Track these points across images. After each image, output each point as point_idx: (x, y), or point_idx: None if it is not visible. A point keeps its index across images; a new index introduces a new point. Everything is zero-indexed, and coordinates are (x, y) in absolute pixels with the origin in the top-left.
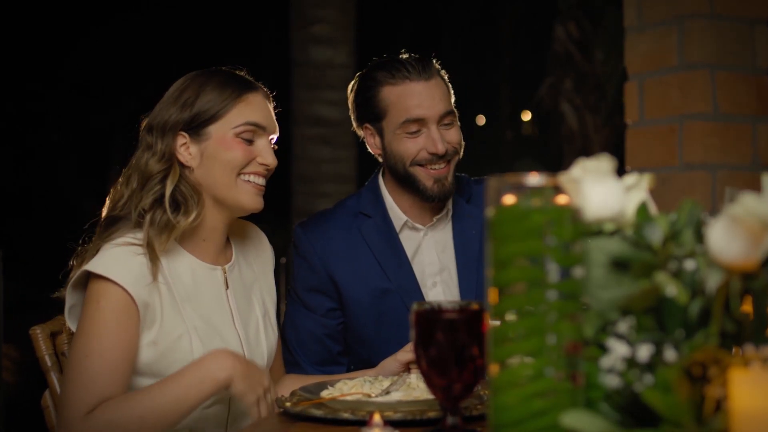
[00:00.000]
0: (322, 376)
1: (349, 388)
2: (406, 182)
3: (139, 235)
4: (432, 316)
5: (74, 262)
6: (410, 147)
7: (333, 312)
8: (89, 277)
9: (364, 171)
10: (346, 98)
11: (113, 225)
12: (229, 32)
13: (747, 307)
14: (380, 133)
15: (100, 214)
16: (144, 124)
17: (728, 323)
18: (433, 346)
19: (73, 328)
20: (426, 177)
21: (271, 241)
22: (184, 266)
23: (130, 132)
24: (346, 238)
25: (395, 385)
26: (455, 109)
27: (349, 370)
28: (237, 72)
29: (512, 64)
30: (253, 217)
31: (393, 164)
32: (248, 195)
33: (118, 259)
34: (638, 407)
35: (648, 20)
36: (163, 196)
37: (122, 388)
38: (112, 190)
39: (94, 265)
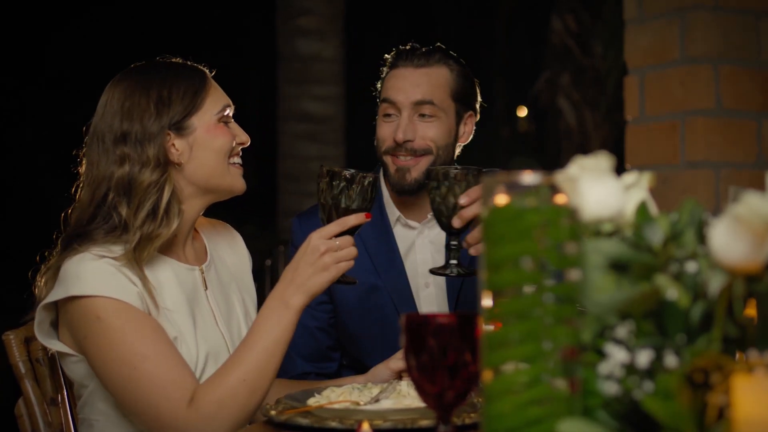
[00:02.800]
0: (307, 383)
1: (337, 396)
2: (383, 171)
3: (116, 248)
4: (423, 320)
5: (39, 283)
6: (384, 130)
7: (324, 305)
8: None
9: (351, 168)
10: (335, 93)
11: (73, 243)
12: (212, 25)
13: (751, 310)
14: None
15: (59, 233)
16: (93, 136)
17: (731, 328)
18: (424, 352)
19: (46, 343)
20: (392, 165)
21: (257, 243)
22: (166, 272)
23: None
24: None
25: (385, 392)
26: (446, 106)
27: (340, 367)
28: (176, 60)
29: (507, 58)
30: (239, 218)
31: (376, 150)
32: (238, 178)
33: (98, 275)
34: (638, 415)
35: (649, 12)
36: (158, 205)
37: (191, 369)
38: (73, 210)
39: (74, 287)
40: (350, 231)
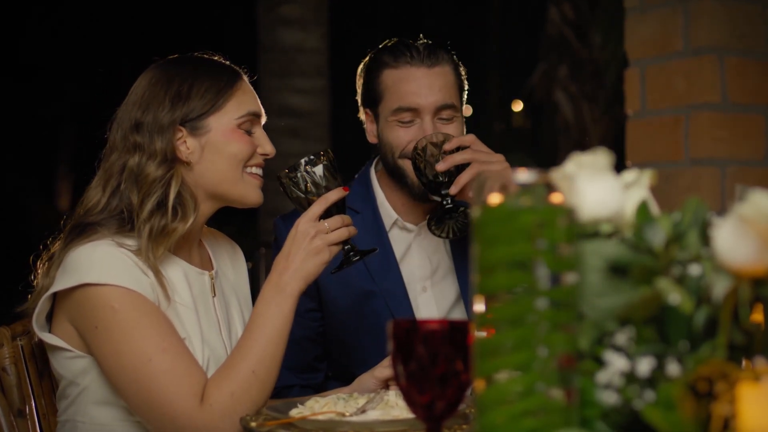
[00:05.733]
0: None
1: (321, 407)
2: (394, 175)
3: (128, 242)
4: (411, 326)
5: (38, 272)
6: (401, 136)
7: (312, 313)
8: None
9: (338, 166)
10: (318, 86)
11: (84, 231)
12: (189, 15)
13: (757, 316)
14: (376, 120)
15: (67, 220)
16: (115, 122)
17: (737, 334)
18: (412, 360)
19: (42, 336)
20: (413, 172)
21: (238, 244)
22: (176, 272)
23: (80, 124)
24: None
25: (372, 402)
26: (459, 105)
27: (326, 378)
28: (214, 57)
29: (502, 49)
30: (218, 219)
31: (384, 154)
32: (253, 189)
33: (113, 263)
34: (638, 426)
35: (650, 1)
36: (165, 200)
37: (197, 361)
38: (84, 196)
39: (88, 275)
40: (337, 209)
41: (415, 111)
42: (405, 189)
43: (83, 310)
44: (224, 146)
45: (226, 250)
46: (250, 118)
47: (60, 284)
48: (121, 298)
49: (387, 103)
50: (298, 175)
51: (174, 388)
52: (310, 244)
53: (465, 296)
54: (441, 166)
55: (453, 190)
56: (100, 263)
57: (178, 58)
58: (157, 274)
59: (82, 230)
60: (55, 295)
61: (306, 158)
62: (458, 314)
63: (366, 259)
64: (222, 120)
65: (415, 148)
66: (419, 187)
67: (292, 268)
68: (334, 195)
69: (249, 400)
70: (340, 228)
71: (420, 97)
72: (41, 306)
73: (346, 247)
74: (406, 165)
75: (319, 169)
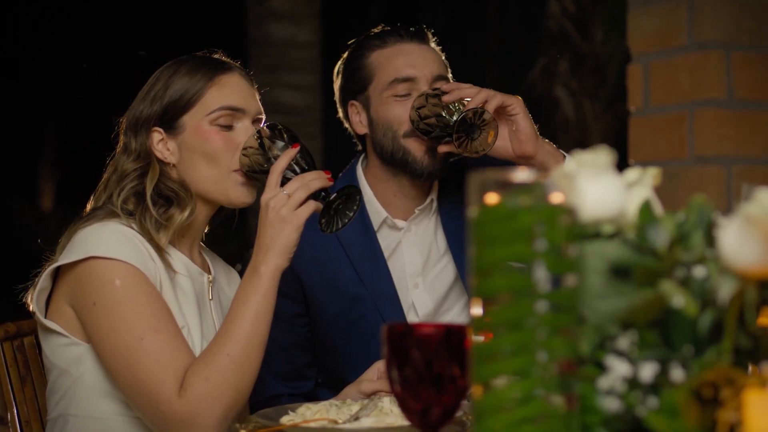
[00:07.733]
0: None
1: (313, 414)
2: (393, 158)
3: (133, 225)
4: (406, 330)
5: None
6: (400, 113)
7: (300, 318)
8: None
9: (331, 165)
10: (310, 82)
11: (89, 213)
12: (176, 8)
13: (764, 319)
14: (366, 105)
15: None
16: (123, 125)
17: (743, 338)
18: (407, 365)
19: (40, 317)
20: (419, 147)
21: (226, 245)
22: (180, 265)
23: (63, 121)
24: (316, 236)
25: (365, 409)
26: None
27: (316, 386)
28: (212, 55)
29: (500, 43)
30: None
31: (380, 138)
32: (238, 188)
33: (122, 240)
34: None
35: None
36: (143, 193)
37: (191, 350)
38: (92, 196)
39: (95, 249)
40: (297, 172)
41: (411, 82)
42: (405, 171)
43: (84, 285)
44: (198, 144)
45: (223, 270)
46: (227, 113)
47: (66, 259)
48: (125, 275)
49: (379, 80)
50: (264, 151)
51: (159, 370)
52: (274, 216)
53: (463, 274)
54: (448, 97)
55: (470, 105)
56: (108, 239)
57: (178, 58)
58: (161, 253)
59: (87, 214)
60: (57, 276)
61: (257, 140)
62: (455, 297)
63: (354, 262)
64: (195, 117)
65: (413, 106)
66: (423, 159)
67: (263, 246)
68: (283, 160)
69: (225, 384)
70: (299, 188)
71: (415, 68)
72: (42, 283)
73: (322, 199)
74: (411, 144)
75: (264, 149)
